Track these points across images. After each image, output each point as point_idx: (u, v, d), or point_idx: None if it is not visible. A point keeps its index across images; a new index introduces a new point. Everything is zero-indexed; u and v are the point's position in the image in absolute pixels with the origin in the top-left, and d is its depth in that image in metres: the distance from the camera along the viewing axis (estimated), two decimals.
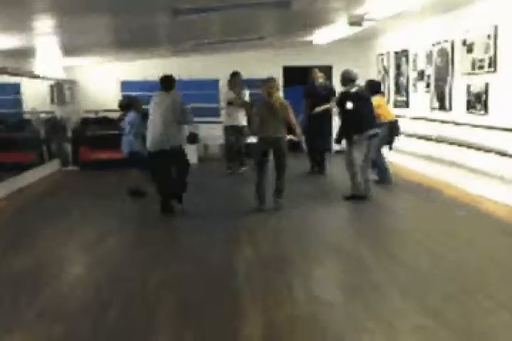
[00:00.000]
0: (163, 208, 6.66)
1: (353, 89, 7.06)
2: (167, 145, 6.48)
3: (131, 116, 7.60)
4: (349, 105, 6.94)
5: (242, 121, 9.56)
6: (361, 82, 7.68)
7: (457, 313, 3.66)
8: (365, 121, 7.02)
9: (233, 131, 9.67)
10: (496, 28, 6.27)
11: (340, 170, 9.14)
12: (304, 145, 7.18)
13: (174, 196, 6.77)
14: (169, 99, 6.58)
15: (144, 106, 7.55)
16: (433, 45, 8.06)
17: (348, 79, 7.19)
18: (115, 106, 11.39)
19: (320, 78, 9.35)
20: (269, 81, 6.74)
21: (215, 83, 11.77)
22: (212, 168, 10.45)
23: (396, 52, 9.75)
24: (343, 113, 7.09)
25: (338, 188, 8.11)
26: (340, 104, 7.10)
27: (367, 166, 7.25)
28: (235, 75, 9.75)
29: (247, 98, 9.53)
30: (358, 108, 6.93)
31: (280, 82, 11.82)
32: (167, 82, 6.65)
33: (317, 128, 9.16)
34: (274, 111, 6.53)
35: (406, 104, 9.34)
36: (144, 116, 7.91)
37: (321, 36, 9.60)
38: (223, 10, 5.66)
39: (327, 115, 9.27)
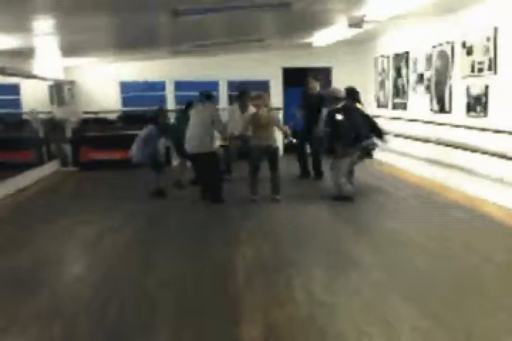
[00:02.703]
0: (202, 196, 7.61)
1: (339, 105, 7.28)
2: (198, 150, 7.40)
3: (150, 129, 7.83)
4: (339, 117, 7.15)
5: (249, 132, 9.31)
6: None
7: (456, 315, 3.66)
8: (358, 134, 7.16)
9: (238, 141, 9.16)
10: (495, 30, 6.28)
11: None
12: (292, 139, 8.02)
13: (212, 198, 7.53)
14: (206, 112, 7.55)
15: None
16: (433, 47, 8.07)
17: (333, 98, 7.44)
18: (114, 106, 11.47)
19: (316, 88, 9.30)
20: (256, 98, 7.68)
21: (214, 85, 11.77)
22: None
23: (395, 55, 9.76)
24: (335, 126, 7.19)
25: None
26: (331, 120, 7.27)
27: (351, 172, 7.55)
28: (244, 94, 9.35)
29: None
30: (350, 120, 7.08)
31: (280, 83, 11.92)
32: (206, 97, 7.78)
33: (310, 134, 9.05)
34: (262, 123, 7.42)
35: (405, 107, 9.35)
36: (163, 128, 8.15)
37: (320, 38, 9.60)
38: (223, 11, 5.67)
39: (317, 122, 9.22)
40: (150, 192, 7.91)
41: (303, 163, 9.42)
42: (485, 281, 4.33)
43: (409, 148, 8.96)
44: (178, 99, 11.55)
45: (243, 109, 9.31)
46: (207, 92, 7.93)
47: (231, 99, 11.57)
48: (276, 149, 7.58)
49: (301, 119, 9.30)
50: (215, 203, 7.38)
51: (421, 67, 8.59)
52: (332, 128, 7.26)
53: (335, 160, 7.35)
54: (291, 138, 8.08)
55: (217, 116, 7.69)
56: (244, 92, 9.38)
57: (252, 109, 9.23)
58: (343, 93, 7.60)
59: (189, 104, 8.63)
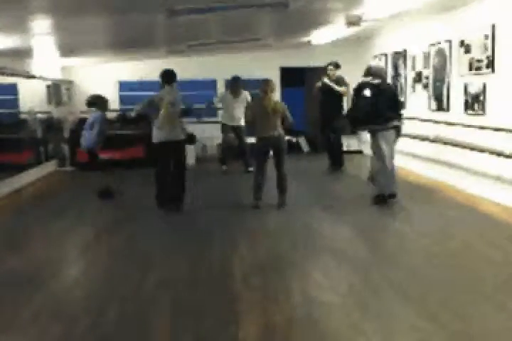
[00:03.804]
0: (161, 204, 6.93)
1: (375, 81, 6.93)
2: (176, 137, 6.85)
3: (95, 114, 7.73)
4: (367, 92, 6.85)
5: (242, 121, 9.68)
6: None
7: (455, 315, 3.64)
8: (383, 112, 6.83)
9: (231, 130, 9.94)
10: (493, 28, 6.27)
11: (346, 171, 9.28)
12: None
13: (174, 198, 6.93)
14: (174, 93, 6.96)
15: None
16: (431, 45, 8.06)
17: (367, 72, 7.07)
18: (112, 106, 11.44)
19: (335, 75, 9.63)
20: (265, 82, 6.96)
21: (212, 83, 11.76)
22: (210, 169, 10.44)
23: (394, 53, 9.75)
24: (359, 100, 6.94)
25: (338, 190, 8.13)
26: (357, 92, 7.04)
27: (390, 162, 6.99)
28: (236, 80, 9.91)
29: (249, 99, 9.67)
30: (376, 98, 6.81)
31: (277, 82, 11.87)
32: (169, 76, 6.97)
33: (330, 123, 9.55)
34: (270, 110, 6.74)
35: (403, 105, 9.33)
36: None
37: (318, 37, 9.59)
38: (220, 10, 5.65)
39: (339, 110, 9.59)
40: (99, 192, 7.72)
41: (331, 153, 9.75)
42: (485, 281, 4.32)
43: (407, 146, 8.95)
44: None
45: (235, 94, 9.81)
46: (170, 70, 7.04)
47: None
48: (284, 139, 6.93)
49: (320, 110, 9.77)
50: (178, 211, 6.84)
51: (419, 66, 8.59)
52: (357, 103, 7.01)
53: (373, 147, 6.98)
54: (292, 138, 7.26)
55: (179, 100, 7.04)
56: (237, 78, 9.88)
57: (246, 95, 9.74)
58: (383, 72, 7.24)
59: None
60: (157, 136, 6.86)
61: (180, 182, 6.97)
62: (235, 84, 9.88)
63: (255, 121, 6.86)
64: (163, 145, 6.84)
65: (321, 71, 10.04)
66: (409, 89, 9.09)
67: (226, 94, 10.09)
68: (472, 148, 6.71)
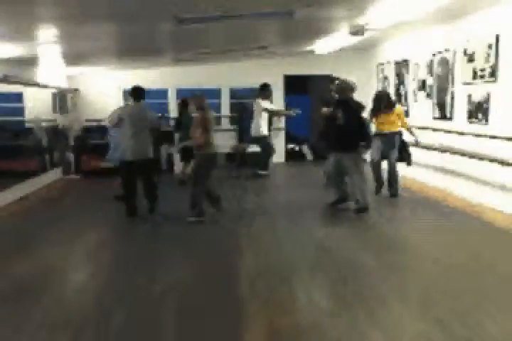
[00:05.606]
0: (130, 211, 7.01)
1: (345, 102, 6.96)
2: (140, 156, 6.91)
3: None
4: (339, 115, 6.85)
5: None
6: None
7: (459, 320, 3.66)
8: (347, 138, 6.85)
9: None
10: (497, 37, 6.31)
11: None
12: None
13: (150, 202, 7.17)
14: (140, 110, 7.03)
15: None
16: (434, 54, 8.10)
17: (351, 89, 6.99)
18: None
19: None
20: (202, 97, 6.72)
21: (216, 92, 11.79)
22: (217, 176, 10.43)
23: (397, 62, 9.79)
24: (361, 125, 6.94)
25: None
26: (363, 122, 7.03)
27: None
28: (266, 87, 10.31)
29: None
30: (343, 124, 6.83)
31: (281, 90, 11.92)
32: (138, 93, 7.03)
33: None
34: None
35: (406, 114, 9.36)
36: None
37: (322, 45, 9.64)
38: (226, 19, 5.70)
39: None
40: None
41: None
42: (487, 285, 4.35)
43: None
44: None
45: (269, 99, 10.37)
46: (139, 87, 7.12)
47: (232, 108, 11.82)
48: None
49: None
50: (151, 213, 7.10)
51: (422, 74, 8.62)
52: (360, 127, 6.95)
53: (358, 163, 7.02)
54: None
55: (151, 112, 7.27)
56: (267, 85, 10.27)
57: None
58: (347, 90, 6.94)
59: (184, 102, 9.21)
60: (122, 153, 6.95)
61: (151, 191, 7.16)
62: (269, 91, 10.32)
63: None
64: (129, 163, 6.89)
65: (325, 79, 10.10)
66: (412, 98, 9.12)
67: (263, 102, 10.21)
68: (475, 157, 6.72)
